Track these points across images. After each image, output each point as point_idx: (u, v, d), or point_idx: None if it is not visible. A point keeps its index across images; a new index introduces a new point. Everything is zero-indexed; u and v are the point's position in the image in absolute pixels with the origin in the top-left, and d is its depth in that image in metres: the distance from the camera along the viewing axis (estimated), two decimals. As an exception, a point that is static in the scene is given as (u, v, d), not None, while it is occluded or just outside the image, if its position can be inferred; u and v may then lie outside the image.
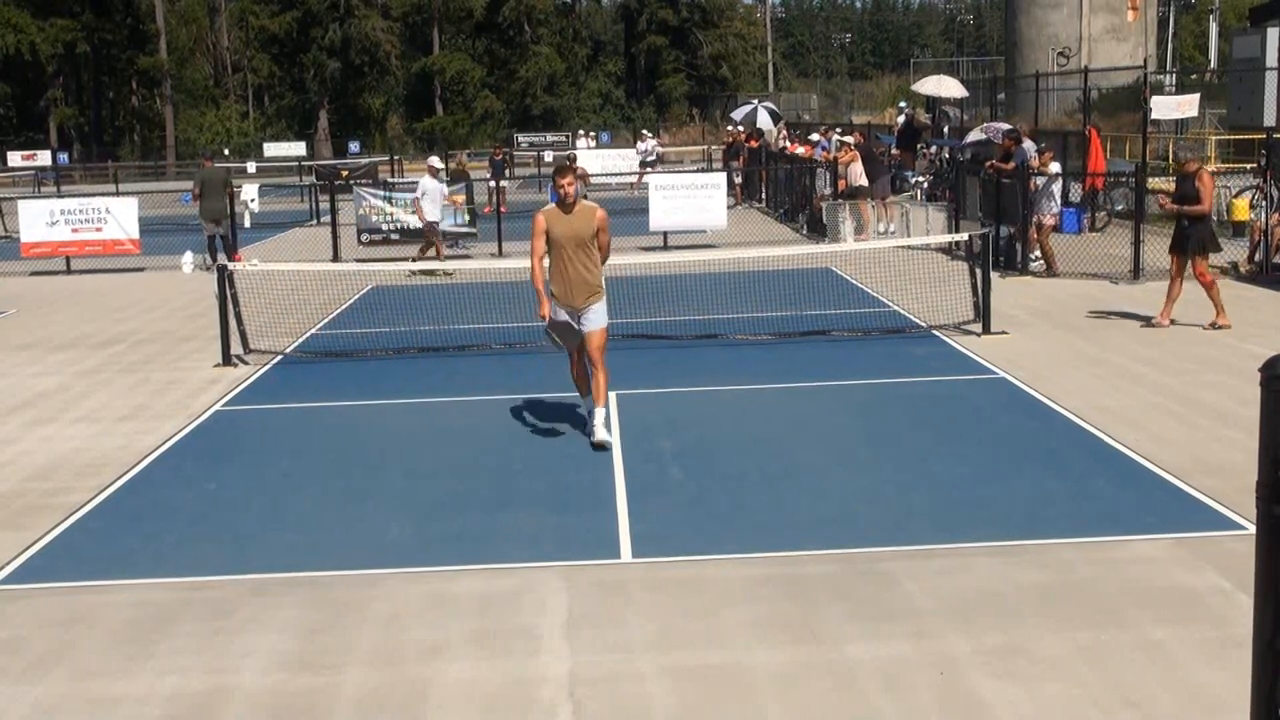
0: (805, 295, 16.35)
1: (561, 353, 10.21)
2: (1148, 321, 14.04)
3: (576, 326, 9.58)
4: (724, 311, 15.50)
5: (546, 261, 9.69)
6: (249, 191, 32.99)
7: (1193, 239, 13.86)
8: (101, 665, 6.04)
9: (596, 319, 9.58)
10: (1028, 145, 21.29)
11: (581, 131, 56.30)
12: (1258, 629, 3.08)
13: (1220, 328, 13.62)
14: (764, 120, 36.59)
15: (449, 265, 18.98)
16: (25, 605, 6.85)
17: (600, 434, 9.53)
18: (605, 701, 5.50)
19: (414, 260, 20.02)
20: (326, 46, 71.14)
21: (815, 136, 30.62)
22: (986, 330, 13.72)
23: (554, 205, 9.54)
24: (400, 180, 39.71)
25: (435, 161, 22.57)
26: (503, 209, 25.60)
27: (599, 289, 9.60)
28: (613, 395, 11.39)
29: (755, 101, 40.54)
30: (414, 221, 23.26)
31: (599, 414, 9.62)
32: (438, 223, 20.93)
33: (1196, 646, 5.85)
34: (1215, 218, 22.74)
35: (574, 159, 28.21)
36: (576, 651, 6.01)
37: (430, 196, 20.69)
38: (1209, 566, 6.83)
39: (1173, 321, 13.86)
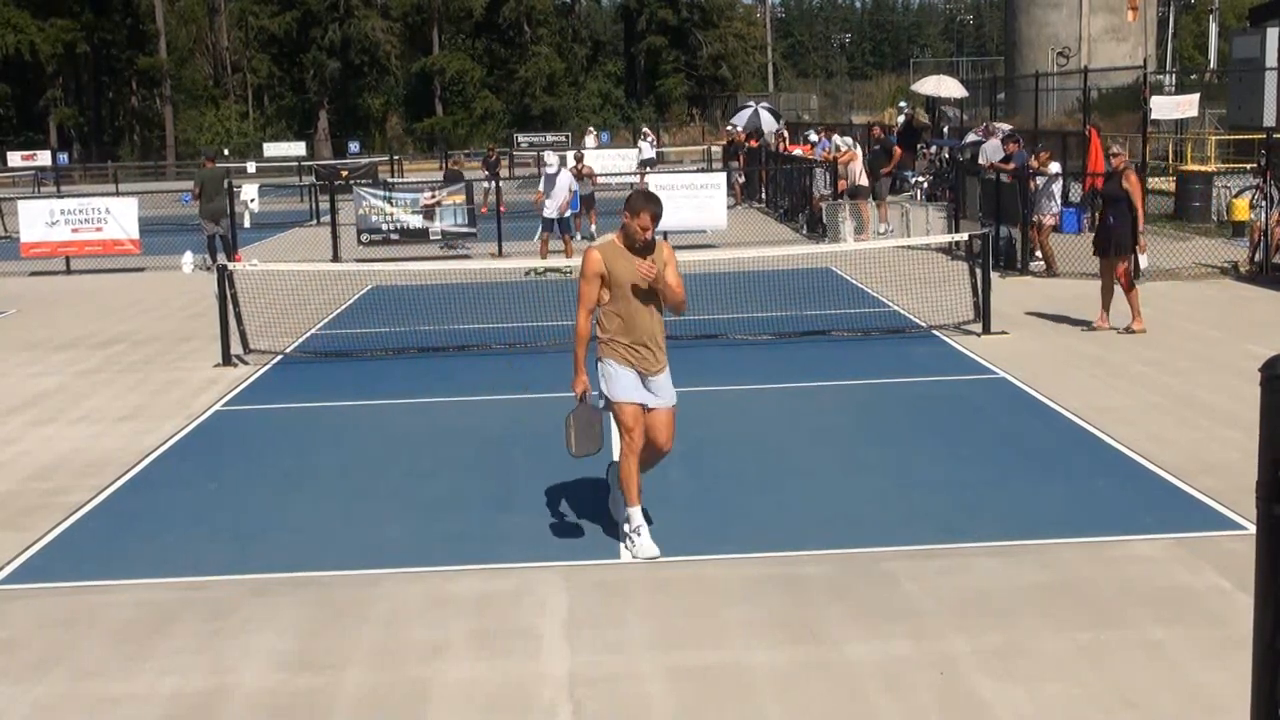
0: (805, 295, 16.35)
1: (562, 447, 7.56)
2: (1089, 326, 13.87)
3: (643, 398, 7.20)
4: (724, 311, 15.50)
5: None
6: (249, 191, 32.98)
7: (1114, 240, 13.53)
8: (101, 665, 6.04)
9: (669, 390, 7.30)
10: (991, 144, 21.53)
11: (591, 129, 56.05)
12: (1258, 629, 3.08)
13: (1134, 332, 13.42)
14: (768, 121, 36.59)
15: (563, 264, 19.19)
16: (25, 605, 6.85)
17: (643, 542, 7.25)
18: (605, 701, 5.50)
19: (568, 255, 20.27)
20: (326, 46, 71.16)
21: (814, 137, 30.63)
22: (986, 330, 13.72)
23: (613, 239, 7.15)
24: (400, 180, 39.71)
25: (573, 160, 23.28)
26: (501, 208, 25.60)
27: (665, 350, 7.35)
28: (613, 395, 11.38)
29: (754, 104, 40.54)
30: (414, 222, 23.29)
31: (637, 515, 7.27)
32: (569, 218, 21.25)
33: (1196, 646, 5.85)
34: (1215, 218, 22.89)
35: (581, 157, 28.09)
36: (576, 651, 6.01)
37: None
38: (1209, 566, 6.83)
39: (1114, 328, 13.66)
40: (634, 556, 7.19)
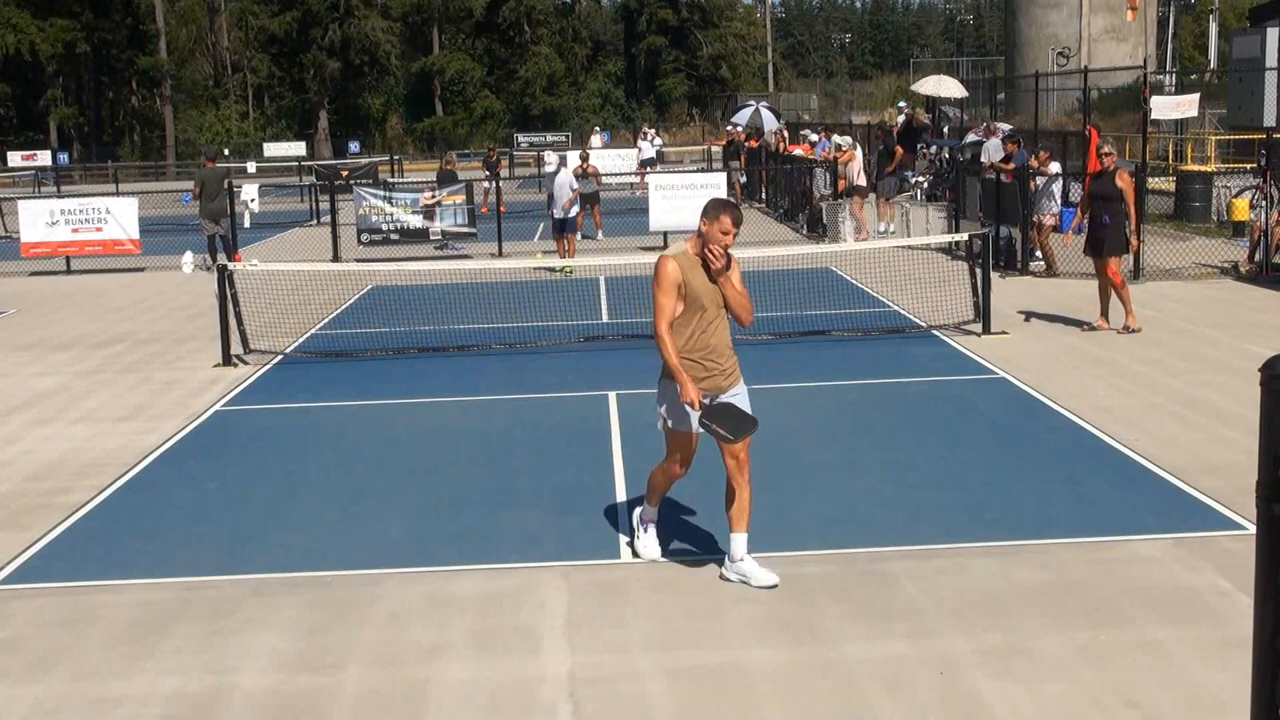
0: (805, 295, 16.35)
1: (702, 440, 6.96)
2: (1089, 326, 13.88)
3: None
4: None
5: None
6: (249, 191, 32.97)
7: (1108, 240, 13.49)
8: (101, 665, 6.04)
9: (745, 404, 6.90)
10: (993, 143, 21.54)
11: (597, 128, 56.06)
12: (1258, 629, 3.08)
13: (1132, 330, 13.44)
14: (769, 120, 36.56)
15: (561, 263, 19.27)
16: (25, 605, 6.85)
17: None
18: (605, 701, 5.50)
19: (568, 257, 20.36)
20: (326, 46, 71.15)
21: (814, 137, 30.62)
22: (986, 330, 13.72)
23: (686, 249, 6.73)
24: (400, 180, 39.71)
25: (577, 159, 24.05)
26: (501, 208, 25.60)
27: (738, 364, 6.93)
28: (612, 395, 11.39)
29: (754, 103, 40.51)
30: (414, 222, 23.29)
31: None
32: (572, 218, 21.33)
33: (1196, 646, 5.85)
34: (1215, 218, 22.90)
35: (587, 157, 28.09)
36: (576, 651, 6.01)
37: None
38: (1209, 566, 6.83)
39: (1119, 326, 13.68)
40: (635, 554, 7.24)
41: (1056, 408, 10.46)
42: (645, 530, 7.28)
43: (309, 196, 34.59)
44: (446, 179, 25.24)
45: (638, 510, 7.38)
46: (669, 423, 6.80)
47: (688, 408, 6.61)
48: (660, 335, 6.64)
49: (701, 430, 6.68)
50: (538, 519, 8.01)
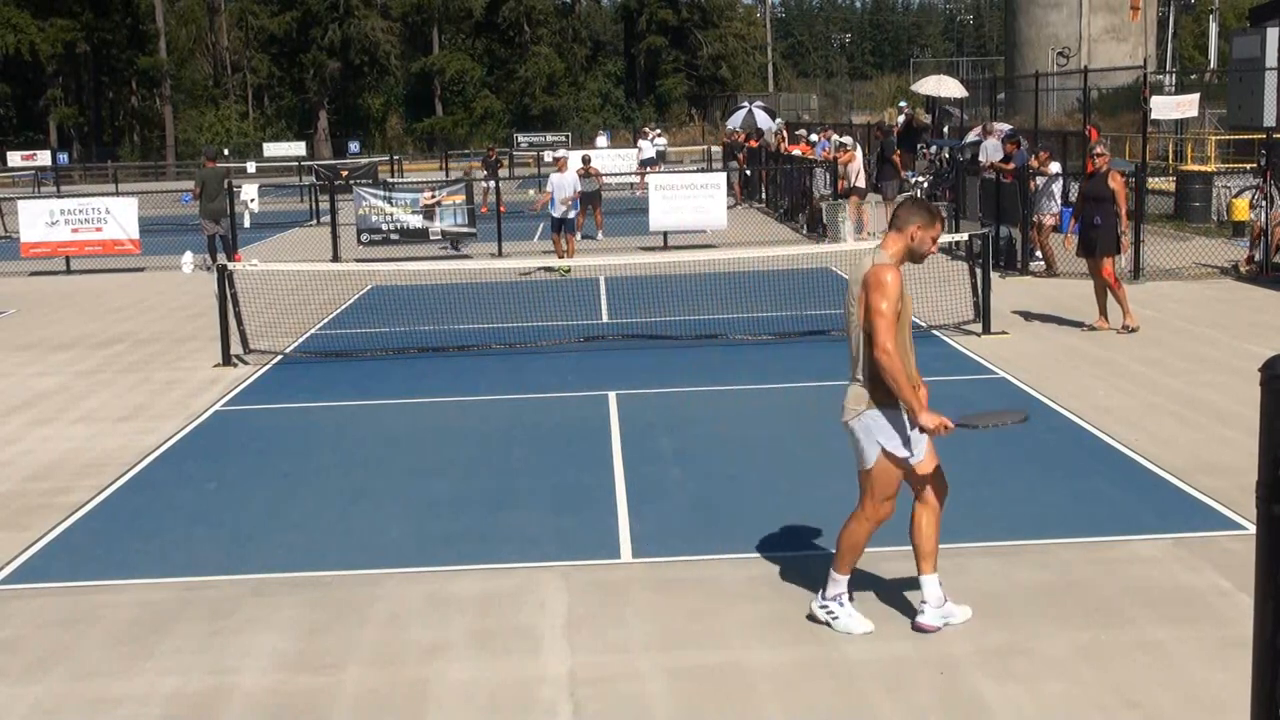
0: (805, 295, 16.33)
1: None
2: (1089, 326, 13.88)
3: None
4: (724, 311, 15.50)
5: None
6: (249, 191, 32.98)
7: (1101, 241, 13.50)
8: (101, 665, 6.04)
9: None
10: (990, 143, 21.58)
11: (601, 129, 56.13)
12: (1258, 629, 3.08)
13: (1131, 330, 13.45)
14: (763, 119, 36.57)
15: (565, 263, 19.22)
16: (25, 605, 6.85)
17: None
18: (605, 701, 5.50)
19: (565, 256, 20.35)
20: (326, 46, 71.17)
21: (814, 137, 30.63)
22: (986, 330, 13.72)
23: (890, 260, 5.96)
24: (400, 180, 39.70)
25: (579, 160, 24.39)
26: (501, 208, 25.60)
27: None
28: (612, 395, 11.40)
29: (747, 104, 40.50)
30: (414, 222, 23.29)
31: (845, 583, 6.17)
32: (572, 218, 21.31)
33: (1196, 646, 5.85)
34: (1215, 218, 22.91)
35: (588, 159, 28.06)
36: (576, 651, 6.01)
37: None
38: (1209, 566, 6.83)
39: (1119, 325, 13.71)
40: (835, 628, 6.11)
41: (1056, 408, 10.46)
42: (840, 604, 6.12)
43: (309, 196, 34.59)
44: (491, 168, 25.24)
45: (830, 590, 6.16)
46: (896, 453, 5.88)
47: (916, 434, 5.88)
48: (889, 353, 5.72)
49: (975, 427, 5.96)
50: (538, 519, 8.01)
